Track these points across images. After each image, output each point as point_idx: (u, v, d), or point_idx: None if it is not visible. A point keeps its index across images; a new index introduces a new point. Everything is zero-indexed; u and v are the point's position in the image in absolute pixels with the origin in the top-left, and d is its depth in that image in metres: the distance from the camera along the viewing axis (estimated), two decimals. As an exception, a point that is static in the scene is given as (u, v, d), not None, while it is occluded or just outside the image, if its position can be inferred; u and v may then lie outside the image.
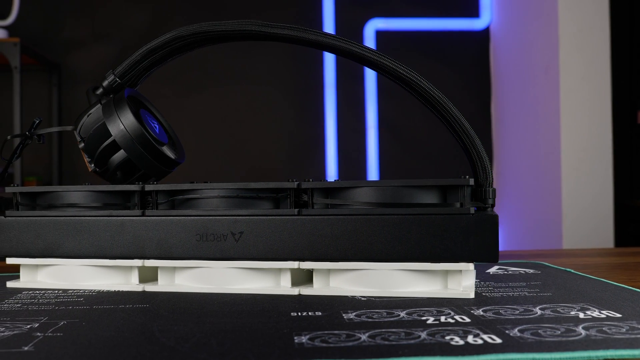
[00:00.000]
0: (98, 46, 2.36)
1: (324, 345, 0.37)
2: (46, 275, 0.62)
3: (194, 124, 2.40)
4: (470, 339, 0.38)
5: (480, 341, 0.38)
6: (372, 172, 2.45)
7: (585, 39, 1.88)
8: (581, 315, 0.45)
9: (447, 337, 0.39)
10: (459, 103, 2.30)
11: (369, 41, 2.44)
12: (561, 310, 0.46)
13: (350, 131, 2.45)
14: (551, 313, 0.45)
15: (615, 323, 0.42)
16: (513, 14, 2.31)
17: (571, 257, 0.81)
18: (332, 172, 2.44)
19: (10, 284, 0.62)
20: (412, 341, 0.38)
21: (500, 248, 2.42)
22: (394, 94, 2.35)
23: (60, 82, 2.34)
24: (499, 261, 0.74)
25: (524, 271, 0.67)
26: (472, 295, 0.52)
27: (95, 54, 2.33)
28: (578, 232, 1.86)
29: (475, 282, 0.60)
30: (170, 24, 2.33)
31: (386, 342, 0.38)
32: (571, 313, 0.45)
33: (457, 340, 0.38)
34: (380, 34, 2.46)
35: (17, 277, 0.64)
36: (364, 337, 0.39)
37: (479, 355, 0.35)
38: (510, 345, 0.37)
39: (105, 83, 0.64)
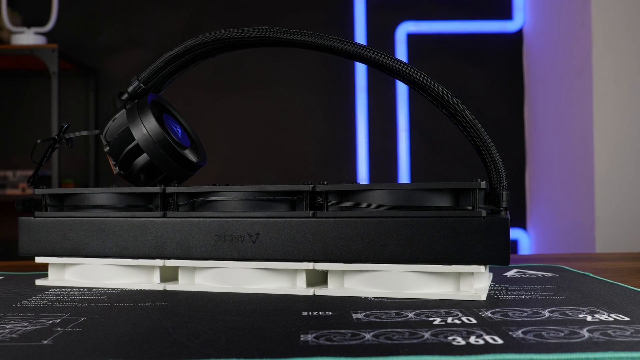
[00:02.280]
0: (133, 51, 2.41)
1: (328, 343, 0.38)
2: (73, 274, 0.64)
3: (227, 126, 2.43)
4: (472, 339, 0.39)
5: (481, 342, 0.38)
6: (403, 175, 2.44)
7: (618, 41, 1.85)
8: (589, 318, 0.45)
9: (450, 338, 0.39)
10: (492, 106, 2.30)
11: (400, 44, 2.44)
12: (570, 313, 0.46)
13: (382, 134, 2.45)
14: (559, 316, 0.46)
15: (622, 326, 0.42)
16: (546, 16, 2.29)
17: (593, 261, 0.81)
18: (363, 175, 2.44)
19: (38, 282, 0.64)
20: (415, 341, 0.39)
21: (532, 251, 2.40)
22: (424, 96, 2.35)
23: (97, 87, 2.40)
24: (519, 264, 0.74)
25: (542, 275, 0.67)
26: (483, 298, 0.53)
27: (130, 59, 2.38)
28: (611, 236, 1.84)
29: (490, 284, 0.60)
30: (203, 29, 2.37)
31: (389, 341, 0.39)
32: (579, 316, 0.45)
33: (459, 341, 0.39)
34: (411, 37, 2.46)
35: (46, 275, 0.66)
36: (368, 336, 0.40)
37: (477, 355, 0.35)
38: (510, 346, 0.37)
39: (130, 89, 0.66)
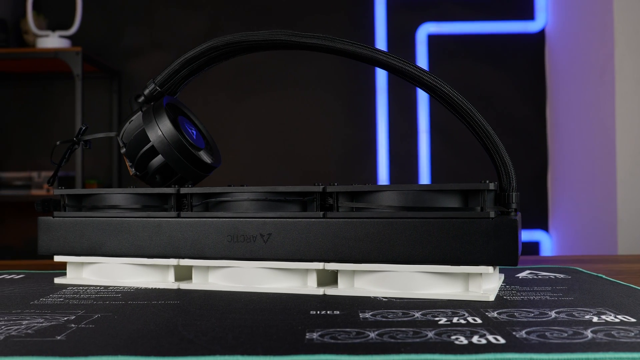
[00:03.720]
0: (156, 53, 2.45)
1: (332, 341, 0.39)
2: (90, 272, 0.66)
3: (247, 128, 2.45)
4: (475, 339, 0.39)
5: (484, 341, 0.39)
6: (424, 176, 2.44)
7: (642, 41, 1.83)
8: (595, 319, 0.45)
9: (453, 337, 0.40)
10: (513, 107, 2.29)
11: (421, 46, 2.44)
12: (576, 314, 0.47)
13: (402, 135, 2.45)
14: (565, 317, 0.46)
15: (627, 327, 0.42)
16: (569, 16, 2.27)
17: (609, 263, 0.80)
18: (383, 176, 2.45)
19: (57, 280, 0.66)
20: (418, 340, 0.39)
21: (553, 253, 2.38)
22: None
23: (120, 89, 2.43)
24: (532, 266, 0.74)
25: (554, 276, 0.67)
26: (491, 298, 0.53)
27: (153, 61, 2.41)
28: (634, 238, 1.81)
29: (501, 285, 0.61)
30: (224, 32, 2.40)
31: (392, 340, 0.39)
32: (585, 317, 0.46)
33: (462, 340, 0.39)
34: (432, 38, 2.46)
35: (65, 274, 0.68)
36: (372, 335, 0.41)
37: (477, 354, 0.36)
38: (512, 345, 0.38)
39: (146, 91, 0.68)
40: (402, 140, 2.46)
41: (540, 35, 2.44)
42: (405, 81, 0.60)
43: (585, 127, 2.10)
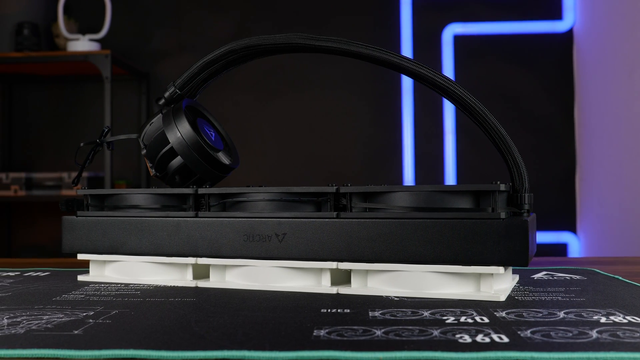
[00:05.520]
0: (184, 56, 2.48)
1: (338, 338, 0.40)
2: (112, 270, 0.67)
3: (273, 128, 2.47)
4: (479, 337, 0.40)
5: (487, 340, 0.39)
6: (450, 177, 2.43)
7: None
8: (603, 319, 0.45)
9: (458, 336, 0.41)
10: (541, 107, 2.27)
11: (447, 46, 2.43)
12: (585, 315, 0.47)
13: (427, 136, 2.45)
14: (573, 317, 0.46)
15: (633, 328, 0.42)
16: (596, 15, 2.24)
17: (629, 265, 0.80)
18: (409, 177, 2.44)
19: (80, 278, 0.68)
20: (423, 338, 0.40)
21: (581, 255, 2.35)
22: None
23: (148, 91, 2.47)
24: (549, 267, 0.74)
25: (570, 277, 0.67)
26: (502, 299, 0.53)
27: (180, 63, 2.45)
28: (662, 241, 1.79)
29: (515, 286, 0.61)
30: (251, 34, 2.42)
31: (397, 338, 0.40)
32: (594, 318, 0.46)
33: (466, 339, 0.40)
34: (458, 39, 2.45)
35: (88, 271, 0.70)
36: (378, 332, 0.42)
37: (478, 352, 0.36)
38: (515, 344, 0.38)
39: (166, 94, 0.69)
40: (427, 141, 2.45)
41: (568, 35, 2.42)
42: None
43: (614, 127, 2.07)
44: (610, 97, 2.10)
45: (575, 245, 2.36)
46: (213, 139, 0.70)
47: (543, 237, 2.36)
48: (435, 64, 2.43)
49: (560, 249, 2.39)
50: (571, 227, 2.39)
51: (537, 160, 2.36)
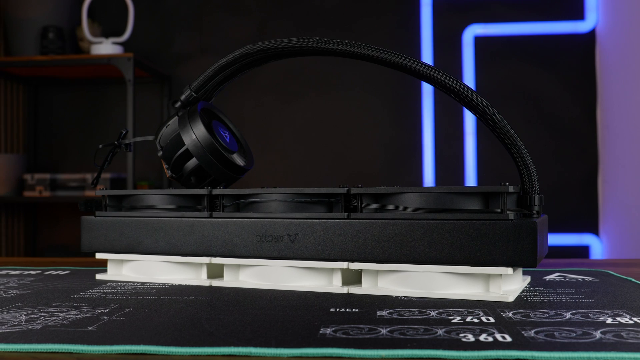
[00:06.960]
0: (205, 58, 2.51)
1: (344, 336, 0.41)
2: (129, 269, 0.69)
3: (295, 130, 2.48)
4: (482, 337, 0.41)
5: (490, 339, 0.40)
6: (470, 179, 2.42)
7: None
8: (609, 320, 0.45)
9: (461, 335, 0.41)
10: (563, 109, 2.26)
11: (468, 47, 2.42)
12: (591, 316, 0.47)
13: (448, 137, 2.44)
14: (580, 318, 0.46)
15: (638, 329, 0.42)
16: (620, 16, 2.22)
17: (645, 267, 0.79)
18: (429, 179, 2.44)
19: (98, 276, 0.70)
20: (427, 336, 0.41)
21: (604, 257, 2.33)
22: (493, 100, 2.32)
23: (170, 93, 2.50)
24: (562, 268, 0.74)
25: (582, 279, 0.67)
26: (511, 299, 0.54)
27: (202, 66, 2.47)
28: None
29: (526, 287, 0.61)
30: (272, 36, 2.44)
31: (401, 336, 0.41)
32: (600, 318, 0.46)
33: (469, 338, 0.40)
34: (479, 40, 2.44)
35: (107, 270, 0.72)
36: (384, 331, 0.42)
37: (480, 351, 0.37)
38: (517, 344, 0.39)
39: (182, 97, 0.71)
40: (448, 142, 2.45)
41: (591, 35, 2.40)
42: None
43: (637, 128, 2.05)
44: (633, 98, 2.08)
45: (598, 247, 2.34)
46: (228, 140, 0.71)
47: (565, 239, 2.34)
48: (455, 66, 2.42)
49: (582, 251, 2.37)
50: (593, 229, 2.37)
51: (559, 162, 2.34)
